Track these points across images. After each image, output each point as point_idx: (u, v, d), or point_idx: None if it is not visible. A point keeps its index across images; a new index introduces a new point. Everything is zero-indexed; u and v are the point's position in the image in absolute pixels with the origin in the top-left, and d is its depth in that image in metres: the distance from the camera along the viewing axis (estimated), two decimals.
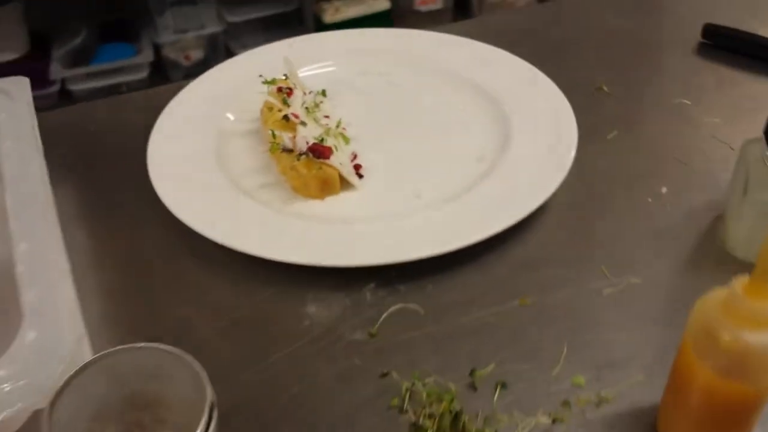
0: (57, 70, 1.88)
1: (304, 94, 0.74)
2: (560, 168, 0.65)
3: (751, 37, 0.82)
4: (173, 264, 0.62)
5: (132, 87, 1.93)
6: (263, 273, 0.60)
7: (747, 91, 0.78)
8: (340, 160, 0.66)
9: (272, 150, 0.67)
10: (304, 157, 0.65)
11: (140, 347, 0.44)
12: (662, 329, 0.54)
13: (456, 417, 0.48)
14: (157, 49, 1.99)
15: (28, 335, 0.44)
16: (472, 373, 0.52)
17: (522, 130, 0.71)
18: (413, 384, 0.51)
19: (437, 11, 2.11)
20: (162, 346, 0.44)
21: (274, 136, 0.67)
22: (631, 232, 0.63)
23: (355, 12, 2.01)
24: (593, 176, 0.68)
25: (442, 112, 0.76)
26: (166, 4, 1.96)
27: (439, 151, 0.71)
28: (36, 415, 0.42)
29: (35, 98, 0.67)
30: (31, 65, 1.86)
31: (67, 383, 0.42)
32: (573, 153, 0.66)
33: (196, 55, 2.03)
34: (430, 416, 0.48)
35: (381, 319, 0.56)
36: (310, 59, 0.82)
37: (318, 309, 0.57)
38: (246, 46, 1.53)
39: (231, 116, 0.76)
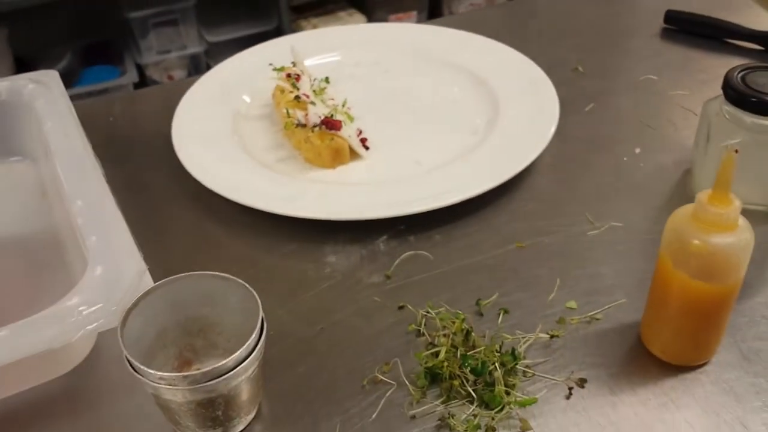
0: None
1: (310, 79, 0.81)
2: (545, 135, 0.73)
3: (708, 20, 0.92)
4: (202, 231, 0.69)
5: None
6: (285, 231, 0.67)
7: (706, 66, 0.87)
8: (348, 133, 0.74)
9: (287, 126, 0.74)
10: (317, 129, 0.72)
11: (198, 274, 0.51)
12: (640, 262, 0.62)
13: (467, 335, 0.55)
14: (140, 70, 2.04)
15: (96, 270, 0.50)
16: (477, 302, 0.59)
17: (510, 105, 0.79)
18: (427, 312, 0.58)
19: None
20: (217, 273, 0.50)
21: (288, 114, 0.74)
22: (610, 186, 0.71)
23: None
24: (575, 142, 0.77)
25: (436, 94, 0.84)
26: (148, 26, 2.02)
27: (435, 127, 0.79)
28: (107, 334, 0.48)
29: None
30: None
31: (135, 305, 0.48)
32: (556, 122, 0.74)
33: (179, 74, 2.09)
34: (445, 335, 0.55)
35: (394, 264, 0.63)
36: (311, 52, 0.90)
37: (337, 259, 0.64)
38: None
39: (247, 98, 0.83)
